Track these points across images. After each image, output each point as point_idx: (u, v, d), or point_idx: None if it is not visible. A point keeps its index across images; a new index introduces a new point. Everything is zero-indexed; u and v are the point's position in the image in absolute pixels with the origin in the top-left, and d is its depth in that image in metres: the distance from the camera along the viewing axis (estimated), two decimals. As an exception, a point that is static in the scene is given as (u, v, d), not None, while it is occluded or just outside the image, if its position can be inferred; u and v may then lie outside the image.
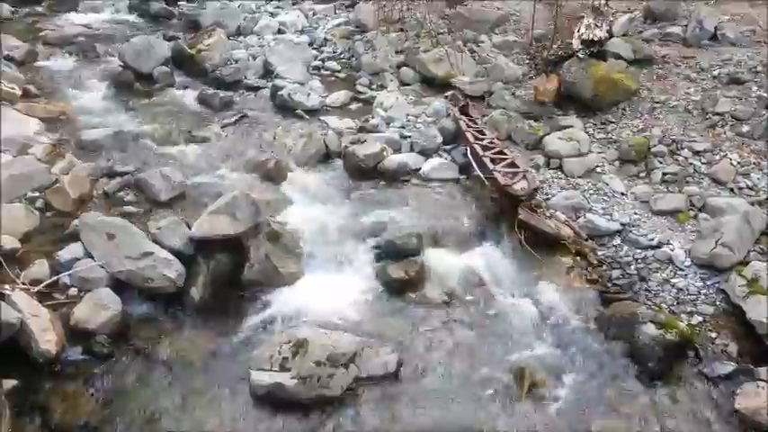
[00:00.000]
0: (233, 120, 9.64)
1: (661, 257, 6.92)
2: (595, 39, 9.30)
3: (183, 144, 8.85)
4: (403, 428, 5.34)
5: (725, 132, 8.35)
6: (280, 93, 10.10)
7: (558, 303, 6.58)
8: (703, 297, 6.47)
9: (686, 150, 8.16)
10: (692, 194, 7.63)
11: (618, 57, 9.58)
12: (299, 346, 5.62)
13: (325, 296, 6.51)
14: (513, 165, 7.88)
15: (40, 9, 13.83)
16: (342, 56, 12.04)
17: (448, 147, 8.83)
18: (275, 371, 5.51)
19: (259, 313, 6.38)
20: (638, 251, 7.05)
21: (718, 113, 8.59)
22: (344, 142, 8.86)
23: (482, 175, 7.84)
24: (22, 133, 8.17)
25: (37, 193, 7.24)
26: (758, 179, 7.67)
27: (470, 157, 8.28)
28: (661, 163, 8.14)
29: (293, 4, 14.36)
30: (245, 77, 10.97)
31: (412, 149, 8.76)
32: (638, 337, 6.00)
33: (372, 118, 9.57)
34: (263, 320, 6.31)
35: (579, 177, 8.18)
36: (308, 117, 9.79)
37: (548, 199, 7.82)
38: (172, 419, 5.30)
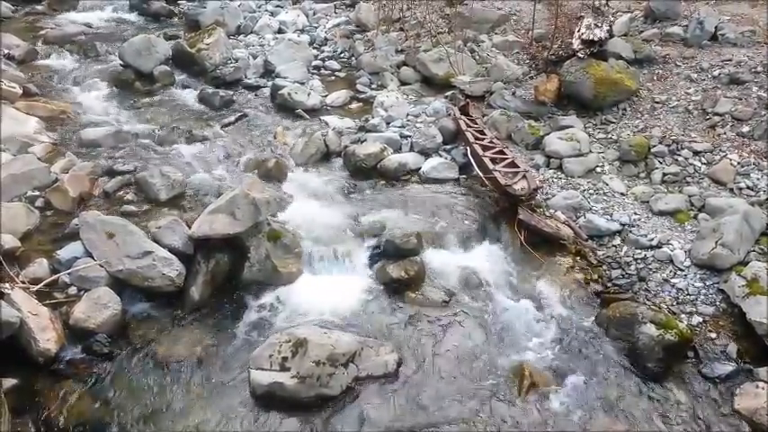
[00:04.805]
0: (233, 119, 9.65)
1: (661, 257, 6.92)
2: (596, 39, 9.28)
3: (183, 143, 8.85)
4: (402, 428, 5.34)
5: (725, 133, 8.34)
6: (280, 92, 10.11)
7: (558, 303, 6.59)
8: (703, 297, 6.47)
9: (686, 150, 8.16)
10: (692, 195, 7.63)
11: (618, 57, 9.57)
12: (298, 345, 5.62)
13: (324, 296, 6.51)
14: (513, 164, 7.89)
15: (40, 8, 13.83)
16: (342, 55, 12.06)
17: (448, 146, 8.84)
18: (275, 370, 5.51)
19: (259, 313, 6.38)
20: (638, 251, 7.05)
21: (718, 114, 8.58)
22: (344, 142, 8.88)
23: (482, 175, 7.83)
24: (22, 132, 8.18)
25: (37, 192, 7.25)
26: (758, 179, 7.66)
27: (470, 156, 8.28)
28: (661, 163, 8.14)
29: (293, 4, 14.38)
30: (246, 77, 10.99)
31: (412, 149, 8.77)
32: (638, 337, 6.00)
33: (372, 117, 9.57)
34: (263, 320, 6.31)
35: (579, 177, 8.18)
36: (308, 116, 9.80)
37: (548, 199, 7.81)
38: (171, 419, 5.30)
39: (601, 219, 7.47)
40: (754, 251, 6.69)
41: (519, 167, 7.82)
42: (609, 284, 6.85)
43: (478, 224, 7.52)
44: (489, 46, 11.34)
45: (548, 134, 8.77)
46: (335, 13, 13.86)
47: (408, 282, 6.71)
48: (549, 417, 5.49)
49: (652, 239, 7.12)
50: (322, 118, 9.71)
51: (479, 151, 8.14)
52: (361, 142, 8.75)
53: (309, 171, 8.51)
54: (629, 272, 6.91)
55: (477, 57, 11.00)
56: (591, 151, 8.49)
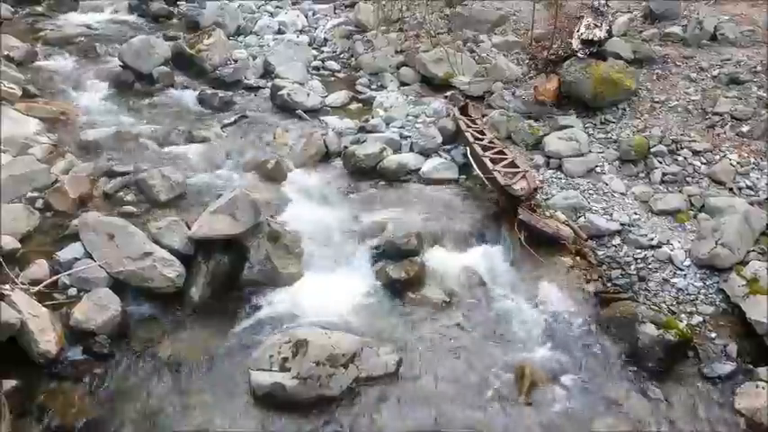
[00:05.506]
0: (233, 120, 9.64)
1: (661, 257, 6.93)
2: (595, 39, 9.28)
3: (183, 144, 8.85)
4: (402, 428, 5.34)
5: (724, 132, 8.36)
6: (279, 93, 10.11)
7: (558, 303, 6.59)
8: (703, 297, 6.48)
9: (686, 150, 8.16)
10: (692, 194, 7.64)
11: (618, 57, 9.56)
12: (298, 346, 5.62)
13: (324, 296, 6.50)
14: (512, 165, 7.89)
15: (39, 9, 13.76)
16: (341, 56, 12.05)
17: (448, 147, 8.84)
18: (275, 371, 5.52)
19: (259, 313, 6.38)
20: (638, 251, 7.05)
21: (717, 113, 8.59)
22: (344, 142, 8.88)
23: (482, 175, 7.83)
24: (22, 133, 8.16)
25: (37, 194, 7.23)
26: (758, 179, 7.68)
27: (470, 157, 8.27)
28: (661, 163, 8.15)
29: (293, 4, 14.35)
30: (245, 77, 10.98)
31: (412, 149, 8.77)
32: (638, 337, 6.01)
33: (372, 118, 9.56)
34: (263, 321, 6.31)
35: (579, 177, 8.18)
36: (307, 117, 9.79)
37: (547, 199, 7.81)
38: (172, 419, 5.30)
39: (601, 219, 7.47)
40: (753, 251, 6.69)
41: (519, 167, 7.81)
42: (609, 284, 6.84)
43: (478, 224, 7.52)
44: (489, 46, 11.32)
45: (547, 134, 8.76)
46: (335, 13, 13.83)
47: (408, 282, 6.72)
48: (549, 417, 5.49)
49: (652, 239, 7.12)
50: (322, 118, 9.71)
51: (479, 151, 8.13)
52: (361, 143, 8.75)
53: (309, 172, 8.50)
54: (629, 272, 6.90)
55: (477, 57, 11.00)
56: (591, 151, 8.48)
